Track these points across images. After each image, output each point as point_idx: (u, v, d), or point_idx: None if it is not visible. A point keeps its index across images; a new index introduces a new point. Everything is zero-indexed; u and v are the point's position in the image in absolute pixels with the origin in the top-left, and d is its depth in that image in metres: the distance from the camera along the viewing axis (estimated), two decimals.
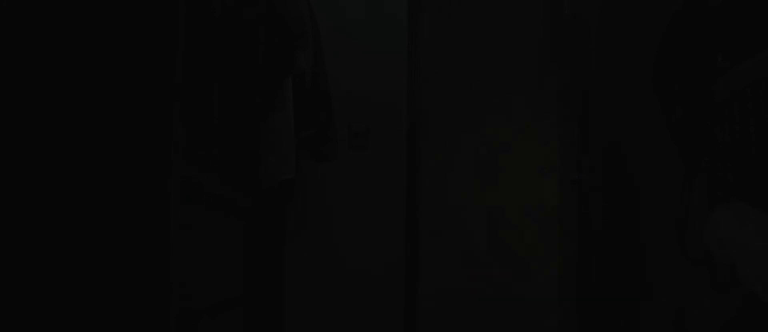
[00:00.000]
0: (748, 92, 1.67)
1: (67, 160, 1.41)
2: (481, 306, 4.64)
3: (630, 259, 3.06)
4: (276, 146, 2.58)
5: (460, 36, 4.78)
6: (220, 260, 1.89)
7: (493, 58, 4.75)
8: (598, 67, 3.48)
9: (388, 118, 3.58)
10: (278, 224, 3.02)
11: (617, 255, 3.24)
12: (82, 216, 1.40)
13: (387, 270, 3.53)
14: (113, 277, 1.39)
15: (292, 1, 2.62)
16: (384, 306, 3.53)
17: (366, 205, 3.56)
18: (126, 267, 1.40)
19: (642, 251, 2.88)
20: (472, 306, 4.63)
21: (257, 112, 2.41)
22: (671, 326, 2.43)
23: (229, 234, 2.02)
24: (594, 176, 3.48)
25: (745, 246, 1.57)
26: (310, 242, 3.53)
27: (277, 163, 2.60)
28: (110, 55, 1.43)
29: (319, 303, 3.51)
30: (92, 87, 1.43)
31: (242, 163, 2.30)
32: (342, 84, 3.39)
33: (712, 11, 1.87)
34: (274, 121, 2.56)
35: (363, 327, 3.52)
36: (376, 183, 3.57)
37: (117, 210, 1.40)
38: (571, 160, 3.66)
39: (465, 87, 4.75)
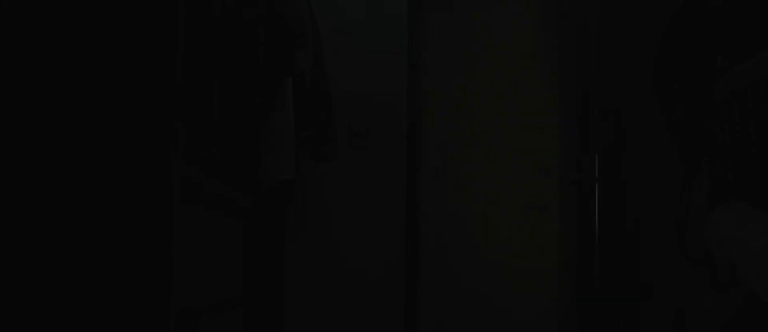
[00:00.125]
0: (748, 92, 1.67)
1: (67, 160, 1.41)
2: (481, 306, 4.64)
3: (629, 260, 3.06)
4: (276, 146, 2.58)
5: (460, 36, 4.78)
6: (220, 260, 1.89)
7: (493, 58, 4.76)
8: (598, 67, 3.48)
9: (388, 118, 3.58)
10: (278, 224, 3.02)
11: (616, 255, 3.24)
12: (82, 216, 1.40)
13: (387, 270, 3.53)
14: (113, 277, 1.39)
15: (292, 1, 2.62)
16: (384, 306, 3.53)
17: (366, 205, 3.56)
18: (126, 266, 1.40)
19: (638, 251, 2.88)
20: (472, 307, 4.63)
21: (257, 112, 2.41)
22: (671, 326, 2.43)
23: (229, 234, 2.02)
24: (592, 177, 3.48)
25: (745, 246, 1.57)
26: (310, 242, 3.53)
27: (277, 163, 2.60)
28: (110, 55, 1.43)
29: (319, 303, 3.51)
30: (92, 87, 1.43)
31: (242, 163, 2.30)
32: (342, 84, 3.39)
33: (712, 11, 1.87)
34: (274, 121, 2.56)
35: (363, 327, 3.52)
36: (376, 183, 3.57)
37: (117, 210, 1.40)
38: (571, 159, 3.67)
39: (465, 87, 4.75)
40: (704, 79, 1.87)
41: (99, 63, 1.42)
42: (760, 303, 1.57)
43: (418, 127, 3.78)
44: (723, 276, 1.76)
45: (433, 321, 4.52)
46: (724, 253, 1.68)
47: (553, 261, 4.41)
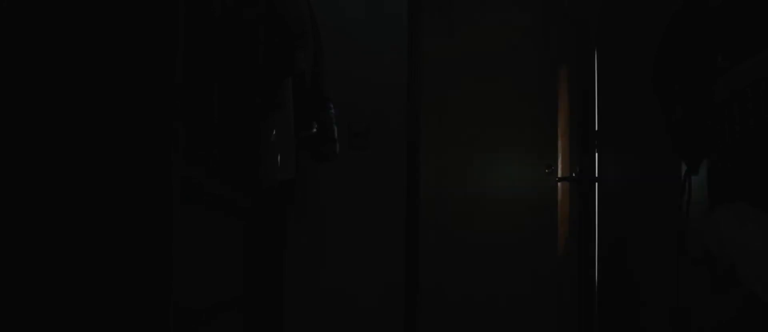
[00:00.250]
0: (748, 92, 1.67)
1: (67, 160, 1.41)
2: (481, 306, 4.64)
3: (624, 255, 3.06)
4: (276, 146, 2.58)
5: (460, 36, 4.78)
6: (220, 260, 1.89)
7: (494, 59, 4.76)
8: (599, 67, 3.48)
9: (388, 118, 3.58)
10: (278, 224, 3.02)
11: (615, 253, 3.24)
12: (82, 216, 1.40)
13: (387, 270, 3.53)
14: (113, 277, 1.39)
15: (292, 1, 2.62)
16: (384, 306, 3.53)
17: (366, 205, 3.56)
18: (126, 266, 1.40)
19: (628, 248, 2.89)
20: (472, 306, 4.63)
21: (257, 112, 2.41)
22: (669, 326, 2.43)
23: (229, 235, 2.02)
24: (592, 176, 3.48)
25: (745, 246, 1.57)
26: (310, 242, 3.53)
27: (277, 163, 2.60)
28: (110, 55, 1.43)
29: (319, 303, 3.51)
30: (92, 87, 1.43)
31: (242, 163, 2.30)
32: (342, 84, 3.39)
33: (712, 11, 1.87)
34: (274, 121, 2.56)
35: (363, 327, 3.52)
36: (376, 183, 3.57)
37: (117, 210, 1.40)
38: (572, 159, 3.66)
39: (465, 87, 4.75)
40: (704, 79, 1.87)
41: (99, 63, 1.42)
42: (760, 303, 1.57)
43: (418, 127, 3.78)
44: (723, 276, 1.76)
45: (433, 320, 4.52)
46: (724, 253, 1.68)
47: (552, 254, 4.41)
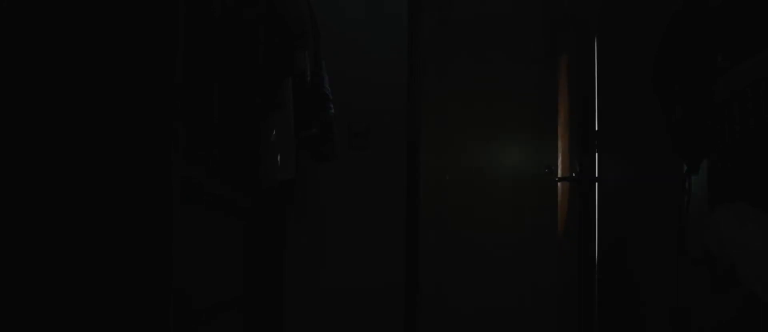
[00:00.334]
0: (748, 92, 1.67)
1: (67, 160, 1.41)
2: (481, 306, 4.64)
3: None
4: (276, 146, 2.58)
5: (460, 36, 4.78)
6: (220, 260, 1.89)
7: (494, 59, 4.75)
8: (599, 67, 3.48)
9: (388, 118, 3.58)
10: (278, 224, 3.02)
11: (614, 251, 3.24)
12: (82, 216, 1.40)
13: (387, 270, 3.53)
14: (113, 277, 1.39)
15: (292, 1, 2.62)
16: (384, 306, 3.53)
17: (366, 205, 3.56)
18: (126, 266, 1.40)
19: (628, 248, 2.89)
20: (472, 306, 4.63)
21: (257, 112, 2.41)
22: (669, 326, 2.43)
23: (230, 235, 2.02)
24: (592, 176, 3.48)
25: (745, 246, 1.57)
26: (310, 242, 3.53)
27: (277, 162, 2.60)
28: (110, 55, 1.43)
29: (319, 303, 3.51)
30: (92, 87, 1.43)
31: (242, 163, 2.30)
32: (342, 84, 3.39)
33: (712, 11, 1.87)
34: (274, 121, 2.56)
35: (363, 326, 3.52)
36: (376, 183, 3.56)
37: (117, 210, 1.40)
38: (572, 159, 3.66)
39: (465, 87, 4.75)
40: (704, 79, 1.87)
41: (99, 63, 1.42)
42: (760, 303, 1.57)
43: (418, 127, 3.78)
44: (723, 276, 1.76)
45: (433, 321, 4.52)
46: (724, 253, 1.68)
47: (552, 245, 4.41)
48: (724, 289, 1.78)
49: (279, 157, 2.62)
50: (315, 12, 3.09)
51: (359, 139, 3.57)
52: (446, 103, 4.72)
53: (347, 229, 3.55)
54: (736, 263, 1.61)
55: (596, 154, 3.45)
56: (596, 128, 3.45)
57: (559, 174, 3.94)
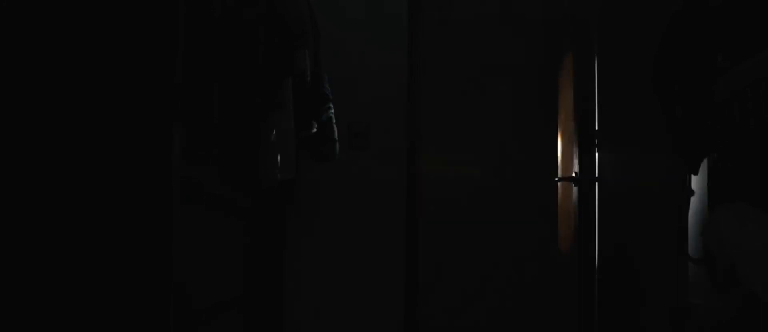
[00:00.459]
0: (748, 92, 1.67)
1: (67, 161, 1.41)
2: (481, 305, 4.64)
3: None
4: (276, 146, 2.58)
5: (460, 36, 4.78)
6: (220, 260, 1.89)
7: (494, 59, 4.76)
8: (599, 67, 3.48)
9: (388, 118, 3.58)
10: (278, 224, 3.02)
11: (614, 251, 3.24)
12: (82, 216, 1.40)
13: (387, 270, 3.53)
14: (113, 276, 1.40)
15: (292, 1, 2.62)
16: (384, 305, 3.53)
17: (366, 205, 3.56)
18: (126, 266, 1.40)
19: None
20: (472, 306, 4.63)
21: (257, 112, 2.41)
22: (669, 326, 2.43)
23: (230, 234, 2.02)
24: (592, 176, 3.48)
25: (745, 246, 1.57)
26: (310, 242, 3.53)
27: (277, 163, 2.60)
28: (111, 55, 1.43)
29: (319, 303, 3.51)
30: (93, 87, 1.43)
31: (242, 163, 2.30)
32: (342, 84, 3.39)
33: (712, 11, 1.87)
34: (274, 121, 2.56)
35: (363, 326, 3.52)
36: (376, 183, 3.57)
37: (117, 210, 1.40)
38: (572, 159, 3.66)
39: (465, 87, 4.75)
40: (704, 79, 1.87)
41: (99, 63, 1.42)
42: (760, 303, 1.57)
43: (418, 127, 3.78)
44: (723, 276, 1.76)
45: (433, 321, 4.52)
46: (724, 253, 1.68)
47: (552, 260, 4.41)
48: (724, 289, 1.78)
49: (279, 157, 2.62)
50: (315, 12, 3.09)
51: (359, 139, 3.57)
52: (446, 102, 4.72)
53: (347, 229, 3.55)
54: (736, 263, 1.61)
55: (596, 154, 3.45)
56: (596, 128, 3.45)
57: (559, 175, 3.94)
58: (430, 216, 4.48)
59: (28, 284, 1.38)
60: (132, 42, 1.43)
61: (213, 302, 1.79)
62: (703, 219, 1.92)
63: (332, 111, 3.12)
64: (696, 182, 2.10)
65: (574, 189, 3.54)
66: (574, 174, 3.53)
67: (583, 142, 3.47)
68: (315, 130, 3.02)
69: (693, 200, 2.10)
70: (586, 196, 3.46)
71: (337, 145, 3.19)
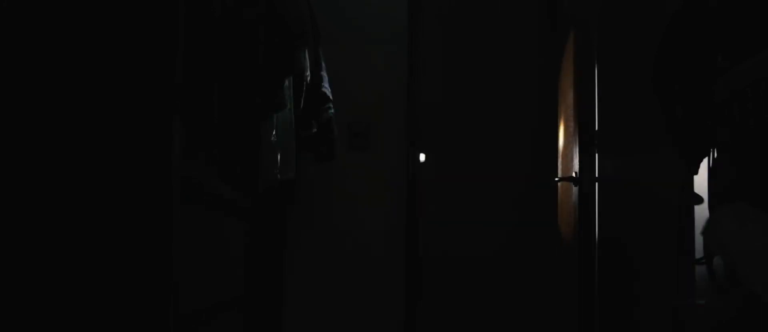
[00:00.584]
0: (748, 92, 1.67)
1: (67, 161, 1.41)
2: (482, 305, 4.64)
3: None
4: (276, 146, 2.58)
5: (460, 37, 4.78)
6: (220, 260, 1.89)
7: (494, 59, 4.75)
8: (599, 67, 3.48)
9: (388, 118, 3.58)
10: (279, 224, 3.02)
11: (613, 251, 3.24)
12: (82, 217, 1.40)
13: (387, 269, 3.53)
14: (113, 277, 1.39)
15: (292, 1, 2.62)
16: (384, 305, 3.53)
17: (366, 205, 3.56)
18: (125, 267, 1.40)
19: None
20: (472, 305, 4.63)
21: (257, 111, 2.41)
22: (670, 326, 2.43)
23: (230, 235, 2.02)
24: (592, 176, 3.48)
25: (745, 246, 1.57)
26: (310, 242, 3.53)
27: (277, 162, 2.60)
28: (110, 55, 1.43)
29: (319, 304, 3.51)
30: (92, 87, 1.43)
31: (242, 163, 2.30)
32: (342, 84, 3.39)
33: (712, 11, 1.87)
34: (275, 121, 2.56)
35: (363, 326, 3.52)
36: (376, 183, 3.56)
37: (117, 210, 1.40)
38: (572, 159, 3.66)
39: (465, 87, 4.75)
40: (704, 79, 1.87)
41: (99, 63, 1.42)
42: (760, 303, 1.57)
43: (418, 127, 3.78)
44: (723, 276, 1.76)
45: (433, 321, 4.52)
46: (724, 253, 1.68)
47: (553, 260, 4.41)
48: (724, 289, 1.78)
49: (279, 157, 2.62)
50: (315, 12, 3.09)
51: (359, 139, 3.57)
52: (446, 102, 4.72)
53: (347, 229, 3.55)
54: (736, 263, 1.61)
55: (596, 154, 3.45)
56: (596, 128, 3.45)
57: (559, 175, 3.94)
58: (430, 216, 4.48)
59: (26, 283, 1.38)
60: (132, 42, 1.43)
61: (213, 302, 1.78)
62: (703, 219, 1.92)
63: (332, 111, 3.12)
64: (696, 182, 2.10)
65: (574, 190, 3.54)
66: (574, 175, 3.53)
67: (583, 142, 3.47)
68: (315, 130, 3.02)
69: (693, 200, 2.11)
70: (586, 196, 3.46)
71: (337, 144, 3.19)
